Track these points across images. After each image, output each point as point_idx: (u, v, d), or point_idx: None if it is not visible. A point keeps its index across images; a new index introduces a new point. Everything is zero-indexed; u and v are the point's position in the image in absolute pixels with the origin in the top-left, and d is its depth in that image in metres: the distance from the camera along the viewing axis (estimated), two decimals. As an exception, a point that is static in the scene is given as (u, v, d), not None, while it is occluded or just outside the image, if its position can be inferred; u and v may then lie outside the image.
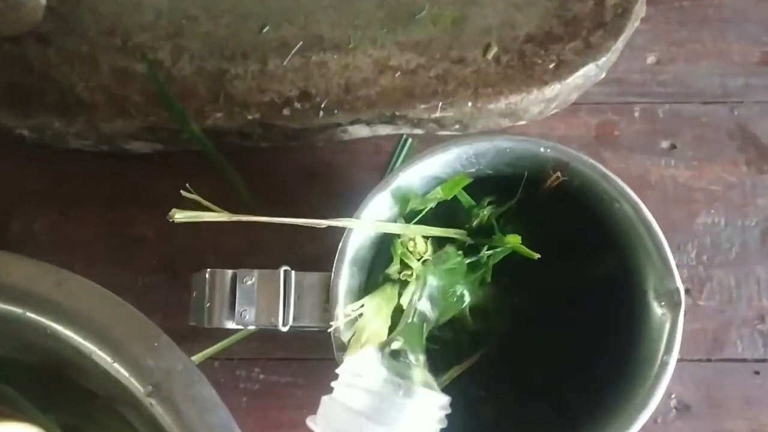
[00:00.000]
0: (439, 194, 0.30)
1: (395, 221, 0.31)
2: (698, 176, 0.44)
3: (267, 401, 0.43)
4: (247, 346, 0.44)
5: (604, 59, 0.40)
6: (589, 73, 0.39)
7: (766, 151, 0.45)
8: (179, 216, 0.28)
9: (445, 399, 0.28)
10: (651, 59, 0.45)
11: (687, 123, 0.44)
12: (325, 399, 0.27)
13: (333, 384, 0.28)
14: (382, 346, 0.28)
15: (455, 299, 0.30)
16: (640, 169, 0.44)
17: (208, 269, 0.32)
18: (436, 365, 0.30)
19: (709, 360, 0.43)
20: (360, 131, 0.43)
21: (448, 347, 0.32)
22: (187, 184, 0.29)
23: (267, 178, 0.44)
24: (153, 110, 0.40)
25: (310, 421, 0.27)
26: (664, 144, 0.44)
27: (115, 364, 0.36)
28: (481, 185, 0.32)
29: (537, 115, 0.42)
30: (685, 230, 0.43)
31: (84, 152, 0.43)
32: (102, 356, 0.37)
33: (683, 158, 0.44)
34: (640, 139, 0.44)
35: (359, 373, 0.27)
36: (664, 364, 0.28)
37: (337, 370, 0.28)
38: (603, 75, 0.42)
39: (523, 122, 0.42)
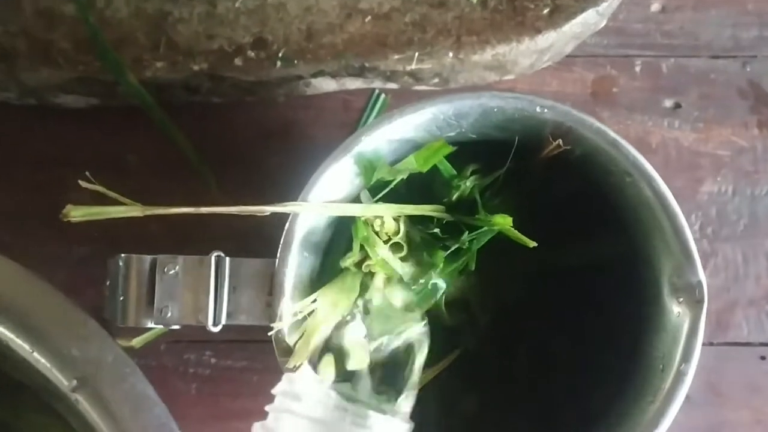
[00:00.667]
0: (412, 165, 0.25)
1: (358, 195, 0.26)
2: (704, 139, 0.41)
3: (219, 388, 0.40)
4: (197, 326, 0.40)
5: (605, 4, 0.37)
6: (588, 21, 0.37)
7: None
8: (75, 213, 0.24)
9: (405, 427, 0.24)
10: (655, 6, 0.42)
11: (693, 79, 0.42)
12: (256, 427, 0.24)
13: (268, 408, 0.24)
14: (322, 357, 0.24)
15: (427, 291, 0.26)
16: (641, 131, 0.42)
17: (122, 255, 0.27)
18: (404, 367, 0.26)
19: (711, 344, 0.40)
20: (325, 85, 0.39)
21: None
22: (87, 173, 0.25)
23: (219, 138, 0.41)
24: (83, 59, 0.37)
25: None
26: (668, 103, 0.42)
27: (35, 354, 0.32)
28: (463, 152, 0.27)
29: (527, 69, 0.39)
30: (688, 200, 0.41)
31: (10, 106, 0.40)
32: (20, 344, 0.32)
33: (688, 119, 0.42)
34: (641, 96, 0.42)
35: (298, 396, 0.23)
36: (680, 375, 0.24)
37: (273, 390, 0.24)
38: (603, 23, 0.39)
39: (511, 77, 0.39)
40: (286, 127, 0.41)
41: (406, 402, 0.24)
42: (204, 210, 0.25)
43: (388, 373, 0.25)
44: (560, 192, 0.29)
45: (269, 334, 0.24)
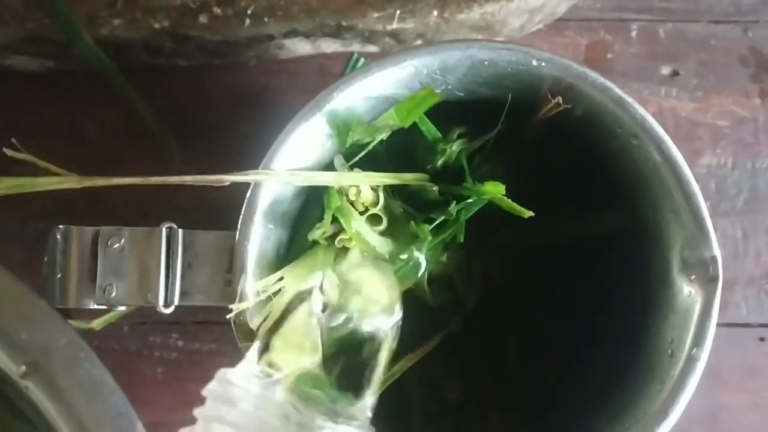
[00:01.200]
0: (392, 119, 0.22)
1: (331, 161, 0.23)
2: (703, 109, 0.40)
3: (187, 372, 0.38)
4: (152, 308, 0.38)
5: (601, -40, 0.33)
6: (583, -23, 0.33)
7: None
8: (2, 186, 0.21)
9: None
10: (653, -33, 0.41)
11: (692, 46, 0.40)
12: None
13: (196, 412, 0.20)
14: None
15: (408, 269, 0.23)
16: (636, 100, 0.38)
17: (61, 226, 0.24)
18: (368, 362, 0.23)
19: None
20: (299, 47, 0.37)
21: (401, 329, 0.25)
22: (13, 139, 0.22)
23: (185, 105, 0.39)
24: (32, 15, 0.34)
25: None
26: (665, 70, 0.40)
27: (-21, 339, 0.29)
28: (450, 114, 0.24)
29: (517, 31, 0.37)
30: None
31: (-43, 69, 0.37)
32: (-38, 328, 0.29)
33: (687, 87, 0.40)
34: (637, 63, 0.40)
35: (232, 400, 0.20)
36: (692, 361, 0.22)
37: (204, 392, 0.21)
38: (598, -18, 0.36)
39: (499, 39, 0.37)
40: (258, 93, 0.39)
41: (365, 405, 0.21)
42: (153, 180, 0.23)
43: (351, 366, 0.23)
44: (555, 161, 0.27)
45: (228, 316, 0.22)
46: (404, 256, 0.23)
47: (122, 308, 0.23)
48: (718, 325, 0.38)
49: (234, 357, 0.38)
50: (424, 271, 0.24)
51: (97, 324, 0.37)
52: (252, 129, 0.38)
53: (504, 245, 0.28)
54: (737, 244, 0.39)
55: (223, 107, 0.39)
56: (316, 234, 0.22)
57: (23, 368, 0.30)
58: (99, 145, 0.39)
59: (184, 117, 0.38)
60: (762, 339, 0.38)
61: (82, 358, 0.30)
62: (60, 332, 0.30)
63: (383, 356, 0.22)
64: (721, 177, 0.39)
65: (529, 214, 0.22)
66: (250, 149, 0.37)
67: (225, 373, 0.21)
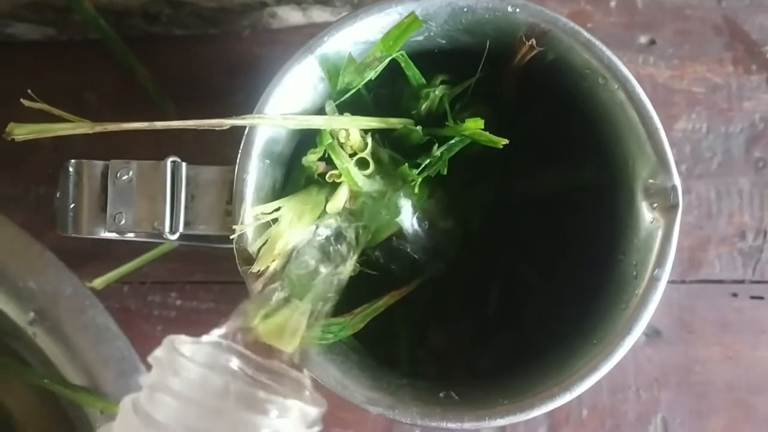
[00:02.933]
0: (379, 50, 0.23)
1: (322, 106, 0.25)
2: (679, 76, 0.40)
3: (185, 330, 0.37)
4: (162, 267, 0.40)
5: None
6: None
7: (756, 48, 0.41)
8: (19, 131, 0.22)
9: (315, 412, 0.19)
10: (631, -60, 0.41)
11: (668, 15, 0.41)
12: (125, 401, 0.18)
13: (141, 380, 0.19)
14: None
15: (392, 209, 0.24)
16: None
17: (73, 160, 0.25)
18: (363, 294, 0.25)
19: (683, 282, 0.40)
20: (291, 16, 0.38)
21: (381, 273, 0.26)
22: (29, 90, 0.23)
23: (183, 73, 0.39)
24: None
25: None
26: (643, 39, 0.41)
27: (-12, 287, 0.30)
28: (433, 66, 0.26)
29: None
30: None
31: (-40, 39, 0.38)
32: (-28, 278, 0.31)
33: (663, 56, 0.40)
34: (615, 32, 0.40)
35: (176, 369, 0.18)
36: (654, 280, 0.23)
37: (149, 358, 0.19)
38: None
39: None
40: (251, 62, 0.39)
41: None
42: (159, 125, 0.24)
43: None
44: (532, 108, 0.28)
45: (231, 237, 0.23)
46: (389, 198, 0.24)
47: (131, 235, 0.25)
48: (693, 281, 0.40)
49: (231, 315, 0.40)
50: (413, 213, 0.25)
51: (98, 283, 0.38)
52: (246, 98, 0.39)
53: (480, 197, 0.29)
54: (711, 205, 0.40)
55: (217, 76, 0.39)
56: (309, 158, 0.24)
57: (31, 314, 0.31)
58: (99, 114, 0.39)
59: (180, 86, 0.39)
60: (734, 295, 0.39)
61: (88, 305, 0.31)
62: (66, 281, 0.32)
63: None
64: (696, 141, 0.40)
65: (502, 142, 0.24)
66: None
67: (173, 339, 0.20)
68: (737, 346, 0.39)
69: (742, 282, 0.40)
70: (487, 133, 0.23)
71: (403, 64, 0.25)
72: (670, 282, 0.39)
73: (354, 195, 0.24)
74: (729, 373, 0.39)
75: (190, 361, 0.18)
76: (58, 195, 0.25)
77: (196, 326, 0.39)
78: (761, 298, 0.39)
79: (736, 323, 0.39)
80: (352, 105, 0.25)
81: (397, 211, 0.25)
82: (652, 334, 0.39)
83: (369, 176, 0.24)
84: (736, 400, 0.39)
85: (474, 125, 0.23)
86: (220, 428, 0.17)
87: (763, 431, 0.39)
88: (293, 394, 0.19)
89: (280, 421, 0.18)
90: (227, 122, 0.23)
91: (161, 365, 0.19)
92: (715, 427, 0.39)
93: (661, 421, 0.39)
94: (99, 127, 0.24)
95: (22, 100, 0.24)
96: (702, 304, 0.39)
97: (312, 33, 0.39)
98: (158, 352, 0.19)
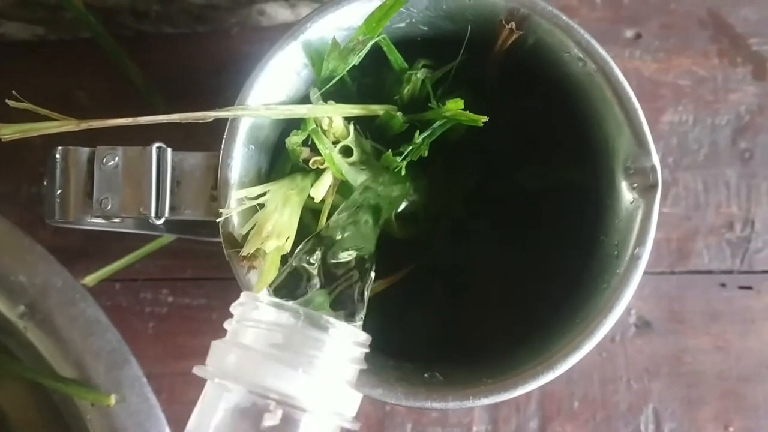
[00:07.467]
0: (361, 33, 0.24)
1: (306, 93, 0.25)
2: (665, 69, 0.41)
3: (177, 326, 0.39)
4: (153, 264, 0.40)
5: None
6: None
7: (741, 41, 0.41)
8: (6, 131, 0.22)
9: (363, 336, 0.23)
10: (616, -65, 0.42)
11: (654, 9, 0.41)
12: (216, 344, 0.22)
13: (226, 324, 0.23)
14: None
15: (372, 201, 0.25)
16: None
17: (60, 147, 0.26)
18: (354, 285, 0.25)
19: (672, 272, 0.40)
20: (280, 13, 0.38)
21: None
22: (13, 91, 0.24)
23: (172, 71, 0.40)
24: None
25: (197, 370, 0.21)
26: (629, 33, 0.41)
27: (-21, 282, 0.30)
28: (416, 52, 0.26)
29: None
30: (649, 130, 0.39)
31: (-49, 39, 0.38)
32: (-38, 271, 0.31)
33: (649, 49, 0.41)
34: (602, 27, 0.41)
35: (256, 306, 0.22)
36: (634, 259, 0.24)
37: (231, 308, 0.23)
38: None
39: None
40: (240, 60, 0.40)
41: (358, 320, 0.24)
42: (143, 120, 0.24)
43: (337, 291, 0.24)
44: (513, 95, 0.28)
45: (217, 221, 0.23)
46: (372, 185, 0.24)
47: (117, 220, 0.25)
48: (682, 272, 0.40)
49: (223, 311, 0.40)
50: (400, 200, 0.25)
51: (90, 281, 0.39)
52: (235, 95, 0.38)
53: (464, 184, 0.29)
54: (698, 196, 0.40)
55: (206, 74, 0.39)
56: (292, 140, 0.24)
57: (22, 308, 0.31)
58: (90, 113, 0.40)
59: (169, 84, 0.39)
60: (723, 285, 0.39)
61: (78, 298, 0.31)
62: (56, 274, 0.32)
63: (370, 276, 0.24)
64: (683, 133, 0.40)
65: (483, 119, 0.24)
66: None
67: (247, 293, 0.23)
68: (726, 336, 0.39)
69: (730, 272, 0.40)
70: (468, 112, 0.24)
71: (385, 48, 0.25)
72: (660, 273, 0.40)
73: (335, 183, 0.25)
74: (719, 363, 0.39)
75: (266, 303, 0.22)
76: (45, 182, 0.25)
77: (188, 322, 0.39)
78: (749, 288, 0.40)
79: (725, 313, 0.39)
80: (336, 95, 0.26)
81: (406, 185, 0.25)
82: (642, 325, 0.40)
83: (352, 164, 0.24)
84: (726, 389, 0.39)
85: (455, 105, 0.23)
86: (293, 341, 0.21)
87: (752, 419, 0.39)
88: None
89: (339, 339, 0.22)
90: (211, 114, 0.23)
91: (244, 305, 0.22)
92: (706, 416, 0.39)
93: (653, 412, 0.39)
94: (84, 124, 0.24)
95: (7, 101, 0.24)
96: (691, 294, 0.40)
97: (301, 31, 0.41)
98: (241, 299, 0.23)
